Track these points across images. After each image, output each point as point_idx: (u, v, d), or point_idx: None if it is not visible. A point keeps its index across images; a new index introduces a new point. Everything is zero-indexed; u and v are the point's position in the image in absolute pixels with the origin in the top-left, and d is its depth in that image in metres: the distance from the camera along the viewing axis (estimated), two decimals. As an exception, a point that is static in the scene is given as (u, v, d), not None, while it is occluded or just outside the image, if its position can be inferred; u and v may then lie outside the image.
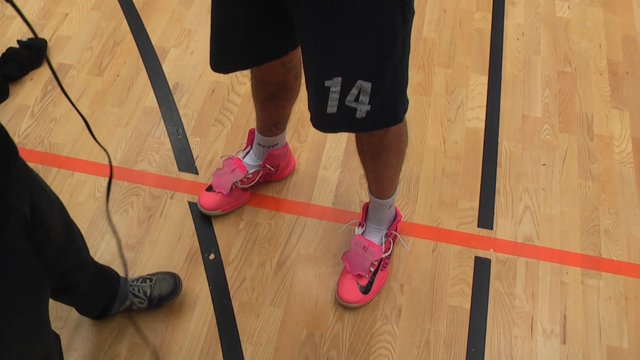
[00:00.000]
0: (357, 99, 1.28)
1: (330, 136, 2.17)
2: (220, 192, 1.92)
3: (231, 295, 1.82)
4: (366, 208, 1.82)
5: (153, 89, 2.29)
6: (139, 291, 1.72)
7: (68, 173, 2.05)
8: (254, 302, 1.81)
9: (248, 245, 1.92)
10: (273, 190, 2.04)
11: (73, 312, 1.73)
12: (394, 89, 1.31)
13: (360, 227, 1.83)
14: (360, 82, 1.25)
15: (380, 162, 1.58)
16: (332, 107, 1.30)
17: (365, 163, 1.63)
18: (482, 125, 2.23)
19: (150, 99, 2.26)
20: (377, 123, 1.38)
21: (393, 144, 1.53)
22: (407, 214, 2.01)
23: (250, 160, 1.95)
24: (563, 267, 1.90)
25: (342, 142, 2.18)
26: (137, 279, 1.75)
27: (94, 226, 1.95)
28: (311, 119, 1.39)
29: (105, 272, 1.63)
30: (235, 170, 1.92)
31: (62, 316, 1.76)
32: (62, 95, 2.19)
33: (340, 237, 1.94)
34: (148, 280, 1.75)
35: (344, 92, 1.27)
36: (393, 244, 1.87)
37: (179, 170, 2.09)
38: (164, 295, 1.74)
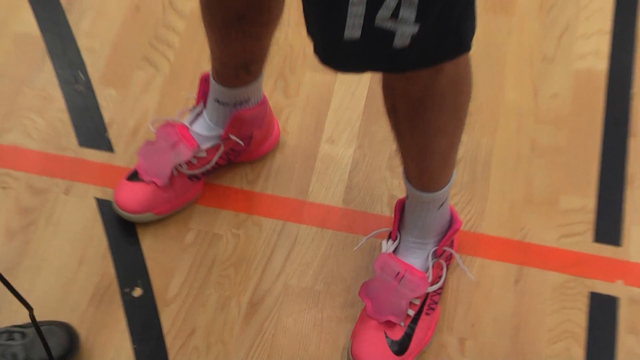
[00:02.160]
0: (395, 15, 1.06)
1: (340, 82, 1.80)
2: (153, 181, 1.61)
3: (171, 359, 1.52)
4: (401, 208, 1.52)
5: (31, 5, 1.91)
6: (1, 355, 1.47)
7: None
8: (211, 371, 1.57)
9: (200, 273, 1.60)
10: (243, 178, 1.71)
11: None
12: None
13: (390, 241, 1.53)
14: None
15: (426, 128, 1.34)
16: (353, 29, 1.09)
17: (400, 130, 1.38)
18: (604, 65, 1.85)
19: (27, 22, 1.90)
20: (430, 55, 1.14)
21: (447, 97, 1.27)
22: (469, 219, 1.67)
23: (202, 129, 1.63)
24: None
25: (359, 97, 1.80)
26: None
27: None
28: (315, 50, 1.17)
29: None
30: (178, 144, 1.60)
31: None
32: None
33: (356, 256, 1.63)
34: (18, 336, 1.43)
35: (374, 4, 1.05)
36: (447, 269, 1.57)
37: (80, 144, 1.74)
38: None
